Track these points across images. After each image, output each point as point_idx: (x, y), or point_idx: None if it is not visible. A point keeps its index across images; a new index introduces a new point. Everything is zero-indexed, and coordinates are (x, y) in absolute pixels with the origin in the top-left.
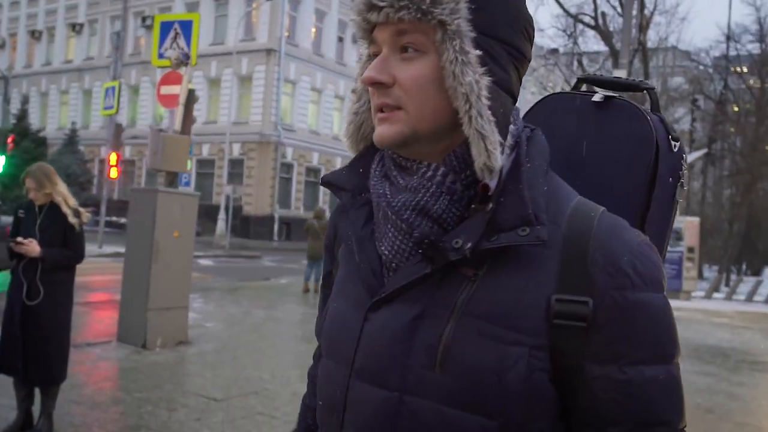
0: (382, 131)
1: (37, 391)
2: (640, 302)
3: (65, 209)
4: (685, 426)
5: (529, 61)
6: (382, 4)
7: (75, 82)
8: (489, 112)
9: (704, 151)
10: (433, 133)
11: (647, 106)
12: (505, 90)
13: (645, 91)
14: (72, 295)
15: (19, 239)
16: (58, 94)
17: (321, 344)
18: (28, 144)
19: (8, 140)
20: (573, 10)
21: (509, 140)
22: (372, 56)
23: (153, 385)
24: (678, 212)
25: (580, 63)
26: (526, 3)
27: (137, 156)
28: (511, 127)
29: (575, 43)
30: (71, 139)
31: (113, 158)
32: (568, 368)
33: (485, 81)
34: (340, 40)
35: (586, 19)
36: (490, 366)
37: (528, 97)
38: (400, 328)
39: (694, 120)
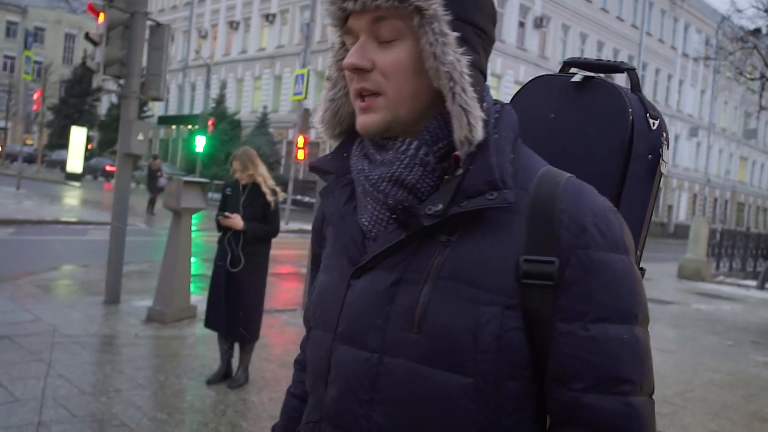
0: (366, 120)
1: (236, 347)
2: (604, 261)
3: (265, 189)
4: (653, 391)
5: (494, 42)
6: None
7: (267, 69)
8: (471, 88)
9: None
10: (412, 115)
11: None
12: (479, 69)
13: (626, 72)
14: (267, 265)
15: (227, 214)
16: (252, 80)
17: (310, 319)
18: (225, 126)
19: (209, 123)
20: None
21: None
22: (348, 44)
23: None
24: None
25: None
26: None
27: (322, 138)
28: (484, 103)
29: None
30: (262, 122)
31: (300, 141)
32: (539, 326)
33: (465, 60)
34: (521, 24)
35: None
36: (465, 325)
37: (722, 83)
38: (380, 293)
39: None
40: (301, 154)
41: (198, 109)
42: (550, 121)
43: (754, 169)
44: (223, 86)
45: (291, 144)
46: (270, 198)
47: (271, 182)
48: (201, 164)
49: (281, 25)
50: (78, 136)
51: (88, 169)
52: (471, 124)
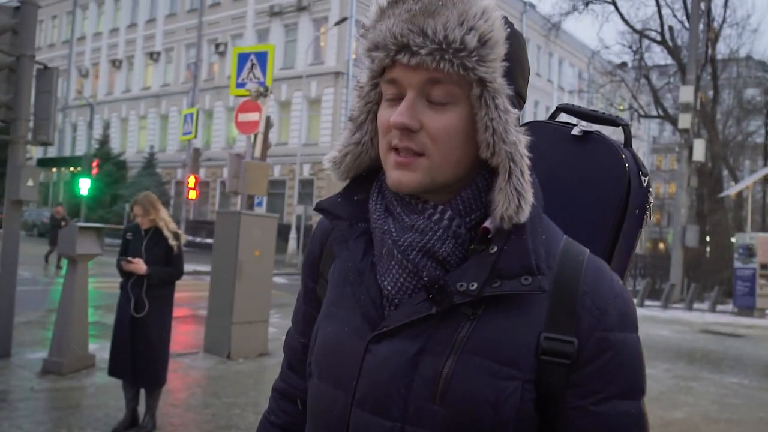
0: (402, 177)
1: (142, 393)
2: (621, 342)
3: (167, 233)
4: None
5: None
6: (422, 51)
7: (153, 108)
8: (528, 171)
9: None
10: (450, 181)
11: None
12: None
13: (621, 127)
14: (172, 308)
15: (129, 258)
16: (137, 120)
17: (311, 364)
18: (110, 167)
19: (93, 164)
20: (638, 26)
21: None
22: (390, 96)
23: (239, 391)
24: (644, 237)
25: (647, 78)
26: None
27: (211, 177)
28: None
29: (641, 58)
30: (149, 162)
31: (192, 181)
32: (550, 398)
33: (525, 140)
34: None
35: (652, 34)
36: (487, 399)
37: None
38: (403, 363)
39: None
40: (192, 194)
41: (80, 151)
42: (551, 176)
43: None
44: (107, 126)
45: (180, 184)
46: (173, 242)
47: (173, 226)
48: (86, 207)
49: (166, 63)
50: None
51: None
52: (521, 207)
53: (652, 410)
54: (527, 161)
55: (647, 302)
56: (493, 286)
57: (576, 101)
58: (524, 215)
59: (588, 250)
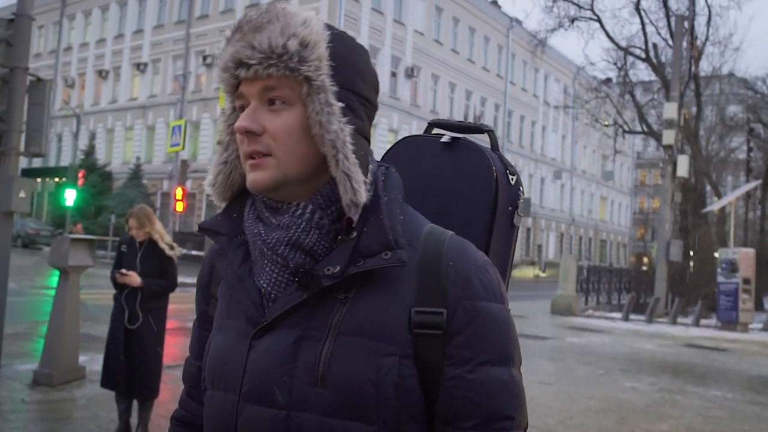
0: (255, 177)
1: (134, 405)
2: (486, 310)
3: (162, 245)
4: (527, 425)
5: (377, 109)
6: (252, 62)
7: (139, 119)
8: (353, 155)
9: (758, 182)
10: (300, 176)
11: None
12: (363, 135)
13: (486, 133)
14: (165, 320)
15: (123, 271)
16: (123, 130)
17: (205, 378)
18: (96, 178)
19: (79, 175)
20: (623, 43)
21: (369, 177)
22: (237, 109)
23: None
24: (518, 239)
25: (631, 94)
26: (580, 43)
27: (197, 189)
28: (369, 166)
29: (626, 75)
30: (135, 173)
31: (179, 193)
32: (430, 372)
33: (348, 129)
34: (393, 75)
35: (637, 51)
36: (366, 377)
37: (580, 128)
38: (283, 351)
39: (750, 149)
40: (179, 206)
41: (65, 161)
42: (424, 180)
43: (613, 208)
44: (93, 137)
45: (166, 195)
46: (168, 254)
47: (167, 238)
48: (70, 218)
49: (153, 74)
50: None
51: None
52: (354, 189)
53: (637, 423)
54: (351, 147)
55: (632, 316)
56: (357, 265)
57: (561, 116)
58: (361, 195)
59: (452, 232)
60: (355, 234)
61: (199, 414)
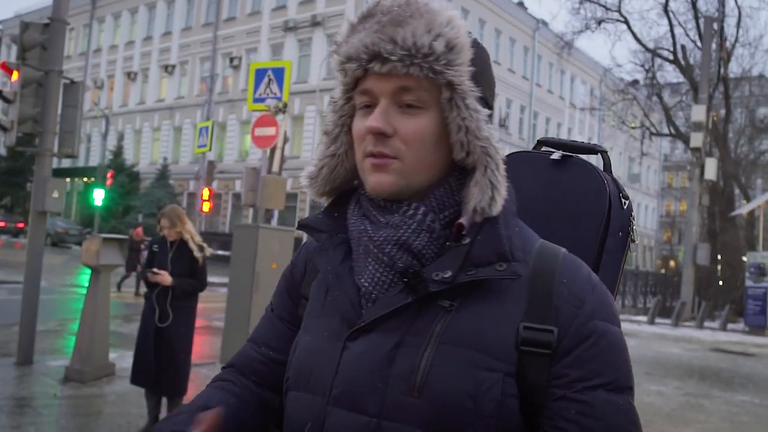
0: (379, 179)
1: (163, 402)
2: (602, 331)
3: (192, 245)
4: None
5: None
6: (392, 58)
7: (166, 120)
8: (503, 165)
9: None
10: (424, 183)
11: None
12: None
13: (599, 154)
14: (195, 319)
15: (155, 270)
16: (150, 131)
17: (289, 379)
18: (123, 178)
19: (107, 175)
20: (651, 45)
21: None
22: (359, 106)
23: None
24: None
25: (659, 96)
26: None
27: (224, 190)
28: None
29: (653, 77)
30: (162, 174)
31: (206, 193)
32: (533, 392)
33: (497, 135)
34: None
35: (665, 53)
36: (466, 391)
37: (607, 131)
38: (379, 356)
39: None
40: (206, 206)
41: (93, 161)
42: (530, 197)
43: (639, 211)
44: (121, 138)
45: (192, 195)
46: (198, 254)
47: (198, 238)
48: (99, 218)
49: (180, 76)
50: None
51: None
52: (494, 199)
53: (662, 427)
54: (501, 155)
55: (657, 320)
56: (467, 273)
57: (587, 118)
58: (497, 207)
59: (564, 249)
60: (467, 240)
61: (237, 383)
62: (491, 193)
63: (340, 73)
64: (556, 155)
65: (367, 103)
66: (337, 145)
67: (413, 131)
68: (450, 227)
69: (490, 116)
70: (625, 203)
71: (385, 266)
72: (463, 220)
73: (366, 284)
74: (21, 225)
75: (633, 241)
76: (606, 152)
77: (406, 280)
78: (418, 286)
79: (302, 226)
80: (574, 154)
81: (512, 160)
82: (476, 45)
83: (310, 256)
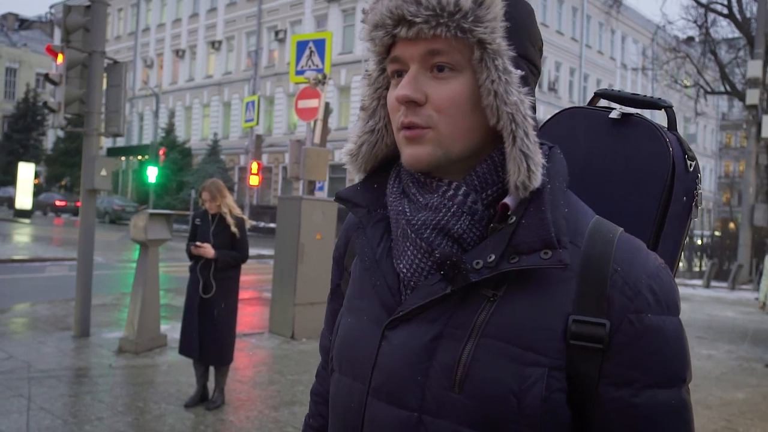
0: (415, 152)
1: (211, 370)
2: (657, 326)
3: (229, 219)
4: None
5: (539, 77)
6: (417, 20)
7: (215, 96)
8: (533, 132)
9: None
10: (463, 153)
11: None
12: (534, 109)
13: (663, 109)
14: (238, 289)
15: (198, 243)
16: (200, 108)
17: (333, 360)
18: (176, 155)
19: (160, 152)
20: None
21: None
22: (391, 74)
23: (302, 369)
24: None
25: (713, 53)
26: None
27: (273, 163)
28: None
29: (707, 33)
30: (213, 149)
31: (254, 167)
32: (583, 389)
33: (528, 101)
34: None
35: (719, 7)
36: (509, 386)
37: (660, 91)
38: (419, 348)
39: None
40: (254, 180)
41: (146, 140)
42: (585, 158)
43: None
44: (172, 115)
45: (243, 170)
46: (234, 229)
47: (237, 211)
48: (153, 195)
49: (227, 51)
50: (26, 172)
51: (36, 204)
52: (531, 170)
53: (710, 390)
54: (531, 122)
55: (713, 283)
56: (511, 262)
57: (639, 78)
58: (537, 179)
59: (621, 229)
60: (512, 220)
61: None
62: (526, 164)
63: (370, 43)
64: (615, 113)
65: (398, 70)
66: (376, 119)
67: (446, 97)
68: (493, 207)
69: (535, 81)
70: (690, 165)
71: (423, 252)
72: (507, 200)
73: (405, 270)
74: (79, 204)
75: (698, 206)
76: (671, 107)
77: (443, 272)
78: (456, 276)
79: (339, 198)
80: (634, 112)
81: (565, 117)
82: None
83: (352, 232)
